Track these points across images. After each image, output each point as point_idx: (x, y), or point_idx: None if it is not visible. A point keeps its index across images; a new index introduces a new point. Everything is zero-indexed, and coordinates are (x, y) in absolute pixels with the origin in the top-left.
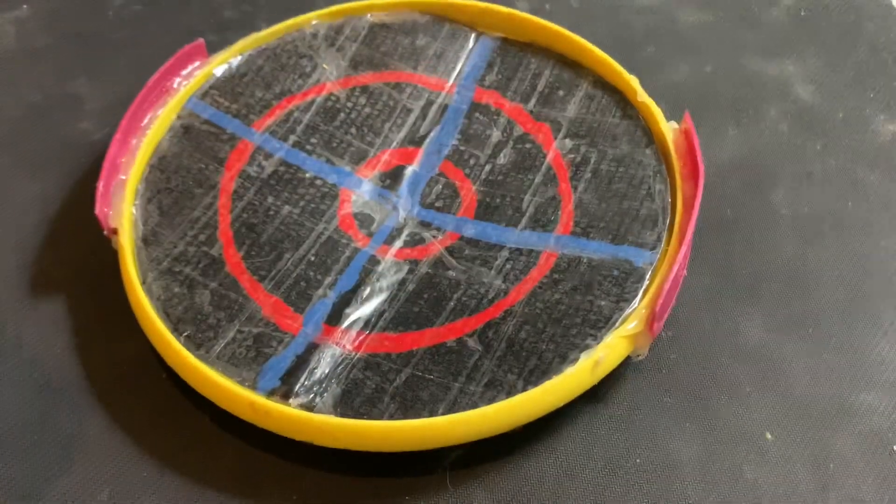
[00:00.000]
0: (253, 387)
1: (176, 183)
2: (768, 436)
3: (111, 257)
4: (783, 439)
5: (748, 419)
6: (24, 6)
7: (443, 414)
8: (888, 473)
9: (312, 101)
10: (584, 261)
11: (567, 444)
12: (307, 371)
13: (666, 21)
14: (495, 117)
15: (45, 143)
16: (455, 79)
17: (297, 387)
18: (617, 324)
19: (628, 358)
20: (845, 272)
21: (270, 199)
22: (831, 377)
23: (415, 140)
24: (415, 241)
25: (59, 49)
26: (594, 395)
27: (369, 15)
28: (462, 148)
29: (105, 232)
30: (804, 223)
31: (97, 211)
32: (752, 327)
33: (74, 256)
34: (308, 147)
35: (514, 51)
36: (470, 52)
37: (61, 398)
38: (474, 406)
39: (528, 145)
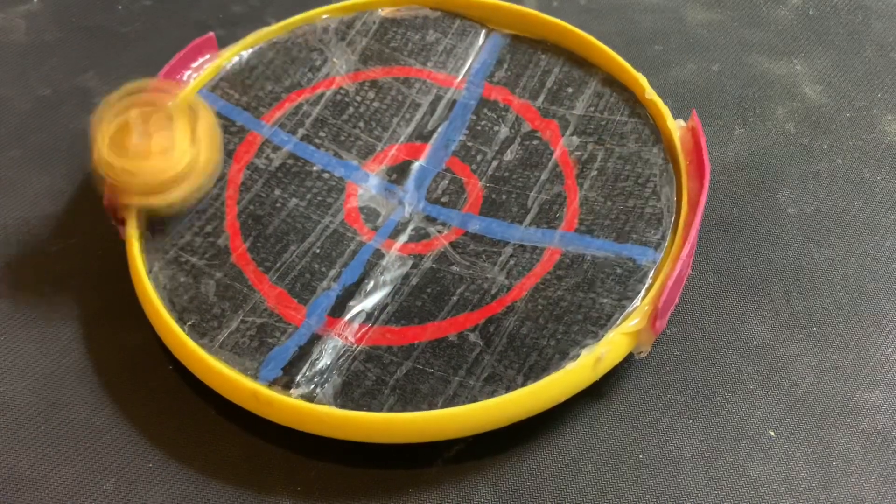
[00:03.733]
0: (255, 376)
1: None
2: (771, 433)
3: (119, 248)
4: (786, 437)
5: (752, 416)
6: (34, 0)
7: (442, 407)
8: (890, 472)
9: (322, 95)
10: (588, 258)
11: (570, 438)
12: (309, 362)
13: (673, 20)
14: (503, 114)
15: (54, 137)
16: (464, 75)
17: (299, 377)
18: (618, 321)
19: (631, 354)
20: (850, 272)
21: (278, 192)
22: (835, 375)
23: (423, 135)
24: (420, 235)
25: (69, 43)
26: (597, 391)
27: (380, 10)
28: (469, 144)
29: (113, 222)
30: (810, 222)
31: (106, 202)
32: (757, 325)
33: (83, 248)
34: (316, 140)
35: (524, 48)
36: (480, 49)
37: (68, 388)
38: (473, 400)
39: (535, 142)
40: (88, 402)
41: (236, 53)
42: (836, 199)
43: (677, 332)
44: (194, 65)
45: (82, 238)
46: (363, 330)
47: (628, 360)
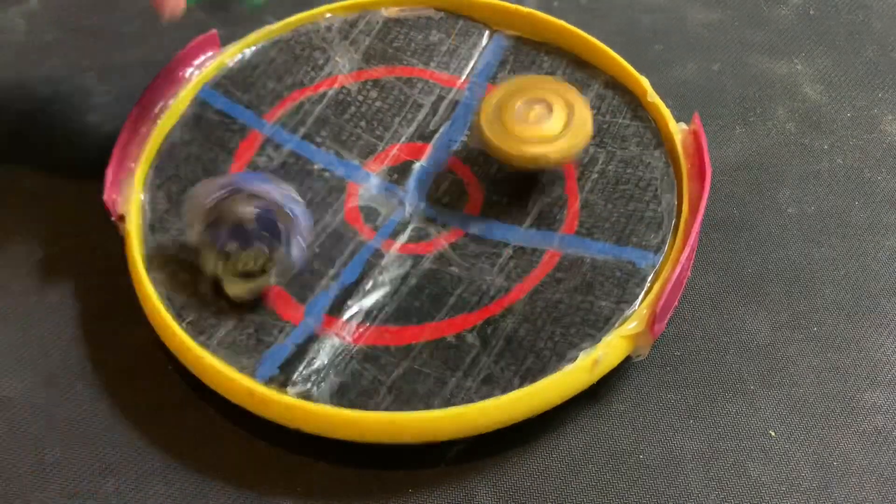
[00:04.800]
0: (252, 374)
1: (185, 171)
2: (772, 433)
3: (119, 248)
4: (786, 437)
5: (752, 416)
6: (34, 0)
7: (438, 408)
8: (891, 472)
9: (324, 94)
10: (587, 261)
11: (570, 439)
12: (306, 361)
13: (673, 19)
14: None
15: (54, 136)
16: (467, 75)
17: (295, 376)
18: (616, 324)
19: (629, 356)
20: (851, 271)
21: None
22: (835, 376)
23: (424, 135)
24: (419, 236)
25: (69, 43)
26: (598, 392)
27: (384, 10)
28: (471, 145)
29: (113, 219)
30: (810, 222)
31: (105, 197)
32: (757, 325)
33: (82, 247)
34: (318, 139)
35: (528, 49)
36: (483, 50)
37: (68, 389)
38: (470, 401)
39: None
40: (89, 402)
41: (239, 51)
42: (836, 199)
43: (677, 333)
44: (197, 62)
45: (82, 238)
46: (361, 329)
47: (628, 361)
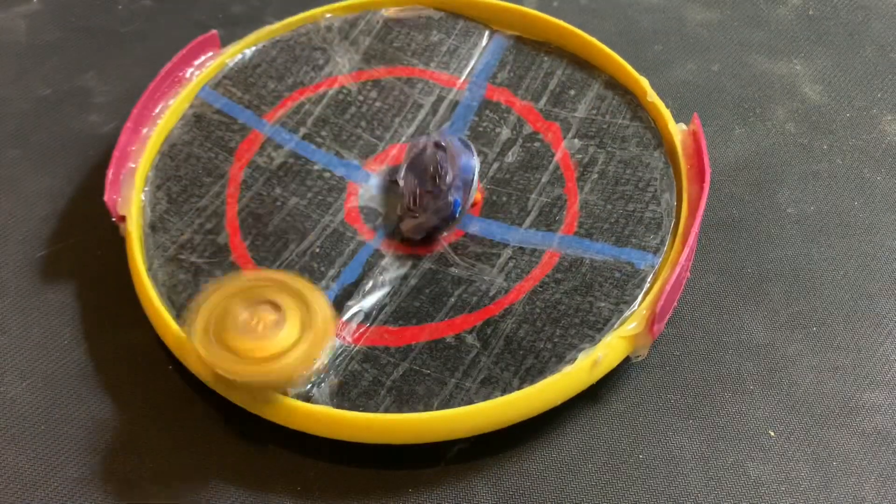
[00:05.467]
0: None
1: (185, 171)
2: (771, 433)
3: (119, 248)
4: (786, 437)
5: (752, 416)
6: (35, 0)
7: (437, 409)
8: (890, 472)
9: (324, 94)
10: (587, 262)
11: (570, 439)
12: None
13: (673, 19)
14: (505, 115)
15: (54, 136)
16: (467, 76)
17: None
18: (615, 325)
19: (628, 357)
20: (850, 272)
21: (278, 190)
22: (835, 376)
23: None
24: None
25: (69, 43)
26: (597, 393)
27: (383, 10)
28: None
29: (113, 219)
30: (810, 222)
31: (106, 198)
32: (757, 325)
33: (83, 248)
34: (318, 139)
35: (528, 49)
36: (483, 50)
37: (68, 389)
38: (469, 402)
39: (536, 144)
40: (88, 401)
41: (239, 51)
42: (836, 199)
43: (677, 333)
44: (197, 62)
45: (82, 238)
46: (361, 330)
47: (628, 362)
